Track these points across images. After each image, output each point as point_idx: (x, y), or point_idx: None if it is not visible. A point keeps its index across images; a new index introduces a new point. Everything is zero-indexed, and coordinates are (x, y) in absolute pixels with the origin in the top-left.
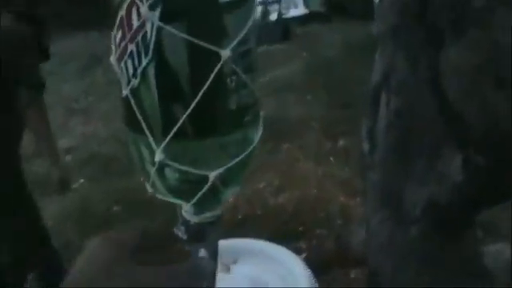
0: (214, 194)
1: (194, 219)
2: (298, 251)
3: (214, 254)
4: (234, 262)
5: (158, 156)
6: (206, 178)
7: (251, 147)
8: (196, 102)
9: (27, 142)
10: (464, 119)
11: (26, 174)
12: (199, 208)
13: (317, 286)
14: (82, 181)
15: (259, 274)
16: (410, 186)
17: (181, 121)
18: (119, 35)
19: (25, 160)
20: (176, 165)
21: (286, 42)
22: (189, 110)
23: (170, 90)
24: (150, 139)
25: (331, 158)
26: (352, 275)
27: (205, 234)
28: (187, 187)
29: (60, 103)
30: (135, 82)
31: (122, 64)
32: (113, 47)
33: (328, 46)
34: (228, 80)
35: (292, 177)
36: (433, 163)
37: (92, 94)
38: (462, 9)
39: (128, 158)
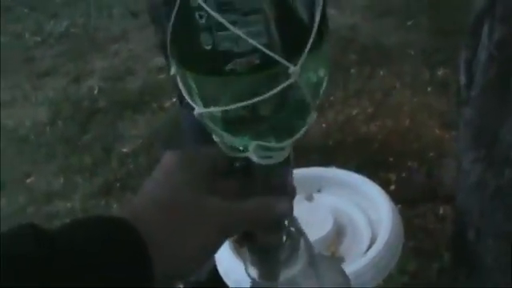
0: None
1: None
2: (386, 182)
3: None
4: (318, 191)
5: (172, 70)
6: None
7: (244, 103)
8: (170, 31)
9: (118, 62)
10: None
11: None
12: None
13: (401, 221)
14: (174, 100)
15: (342, 205)
16: (507, 126)
17: (168, 45)
18: None
19: (118, 79)
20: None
21: None
22: (168, 37)
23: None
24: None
25: (429, 88)
26: (441, 211)
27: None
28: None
29: None
30: None
31: None
32: None
33: None
34: (197, 15)
35: (386, 105)
36: None
37: None
38: None
39: None
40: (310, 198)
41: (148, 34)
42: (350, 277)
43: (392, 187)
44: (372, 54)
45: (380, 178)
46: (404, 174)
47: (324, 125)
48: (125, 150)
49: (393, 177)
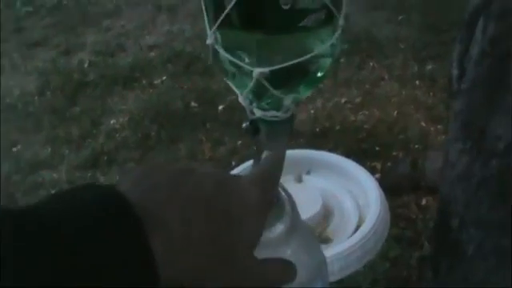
0: (265, 93)
1: (251, 113)
2: (371, 171)
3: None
4: (308, 173)
5: (209, 39)
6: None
7: (309, 56)
8: None
9: (110, 38)
10: None
11: (109, 68)
12: (258, 103)
13: (387, 207)
14: (164, 78)
15: (331, 187)
16: (496, 119)
17: (228, 8)
18: None
19: (109, 54)
20: (223, 52)
21: None
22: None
23: None
24: (206, 21)
25: (417, 82)
26: (423, 202)
27: (268, 132)
28: (239, 77)
29: (148, 0)
30: None
31: None
32: None
33: None
34: None
35: (374, 95)
36: None
37: None
38: None
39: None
40: (299, 180)
41: (140, 10)
42: (335, 257)
43: (377, 176)
44: (363, 44)
45: (365, 166)
46: (389, 164)
47: (312, 111)
48: (113, 124)
49: (378, 165)
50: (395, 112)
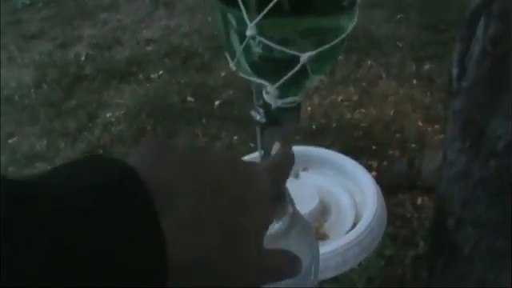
0: (299, 79)
1: (276, 103)
2: (367, 169)
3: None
4: (305, 169)
5: (250, 31)
6: (295, 60)
7: (343, 36)
8: None
9: (106, 31)
10: None
11: (106, 61)
12: (282, 92)
13: (384, 205)
14: (161, 72)
15: (328, 184)
16: (496, 118)
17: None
18: None
19: (106, 48)
20: (268, 42)
21: None
22: None
23: None
24: (244, 13)
25: (414, 81)
26: (419, 202)
27: (282, 120)
28: (272, 66)
29: None
30: None
31: None
32: None
33: None
34: None
35: (371, 94)
36: None
37: None
38: None
39: (208, 54)
40: (296, 176)
41: (138, 5)
42: (332, 254)
43: (373, 174)
44: (361, 43)
45: (362, 164)
46: (385, 163)
47: (309, 108)
48: (109, 117)
49: (374, 164)
50: (392, 111)
